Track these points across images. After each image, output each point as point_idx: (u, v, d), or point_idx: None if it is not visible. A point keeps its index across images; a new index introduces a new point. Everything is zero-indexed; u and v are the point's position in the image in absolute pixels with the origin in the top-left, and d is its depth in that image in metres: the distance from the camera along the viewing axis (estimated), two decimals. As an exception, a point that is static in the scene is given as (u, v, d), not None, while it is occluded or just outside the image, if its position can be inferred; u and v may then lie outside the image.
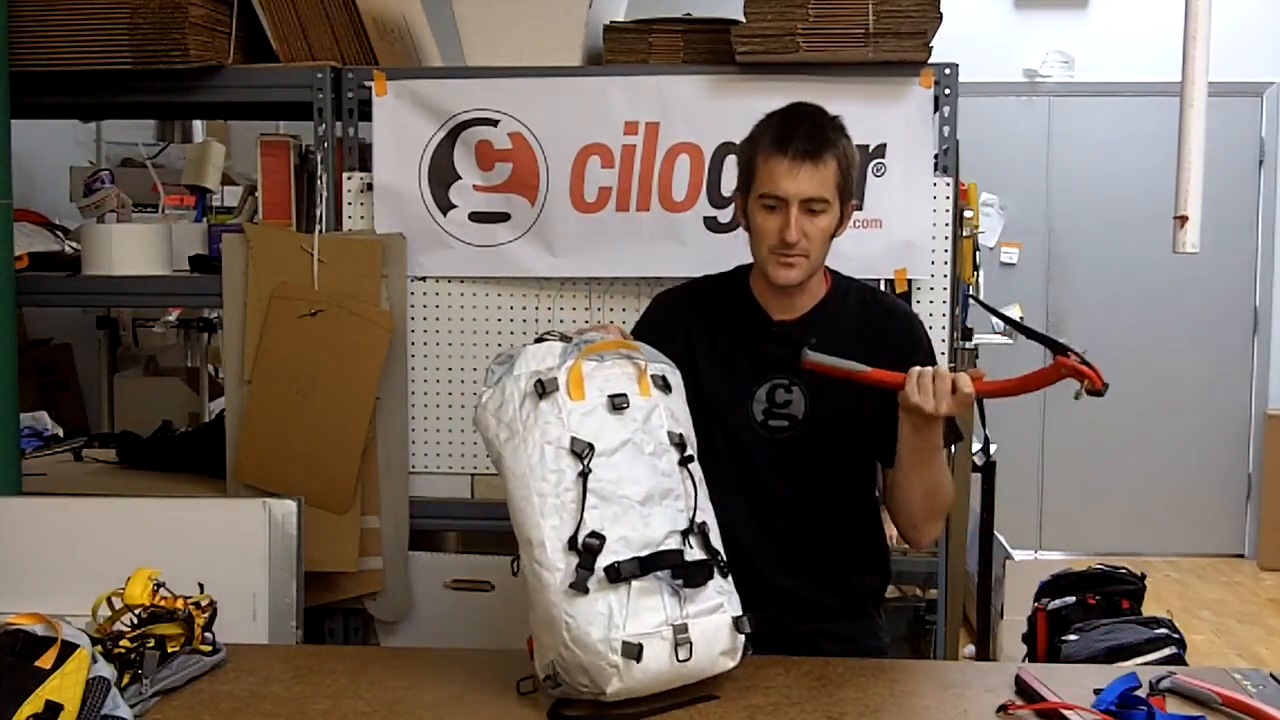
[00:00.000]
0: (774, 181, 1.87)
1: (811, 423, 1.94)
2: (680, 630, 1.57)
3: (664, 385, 1.76)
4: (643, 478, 1.65)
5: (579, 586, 1.55)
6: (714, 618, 1.62)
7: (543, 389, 1.66)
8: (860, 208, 2.62)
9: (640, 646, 1.54)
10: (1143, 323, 6.08)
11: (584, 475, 1.61)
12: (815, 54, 2.55)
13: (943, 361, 2.66)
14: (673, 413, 1.75)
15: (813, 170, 1.86)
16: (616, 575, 1.56)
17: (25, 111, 2.71)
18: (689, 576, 1.60)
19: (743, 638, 1.64)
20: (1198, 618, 5.14)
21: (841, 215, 1.94)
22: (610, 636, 1.54)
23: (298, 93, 2.74)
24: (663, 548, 1.60)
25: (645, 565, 1.58)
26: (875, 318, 2.00)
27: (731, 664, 1.64)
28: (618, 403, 1.69)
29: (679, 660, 1.57)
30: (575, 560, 1.56)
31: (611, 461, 1.64)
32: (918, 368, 1.78)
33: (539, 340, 1.74)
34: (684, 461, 1.71)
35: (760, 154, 1.90)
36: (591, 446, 1.63)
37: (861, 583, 2.05)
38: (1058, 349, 1.72)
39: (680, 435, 1.73)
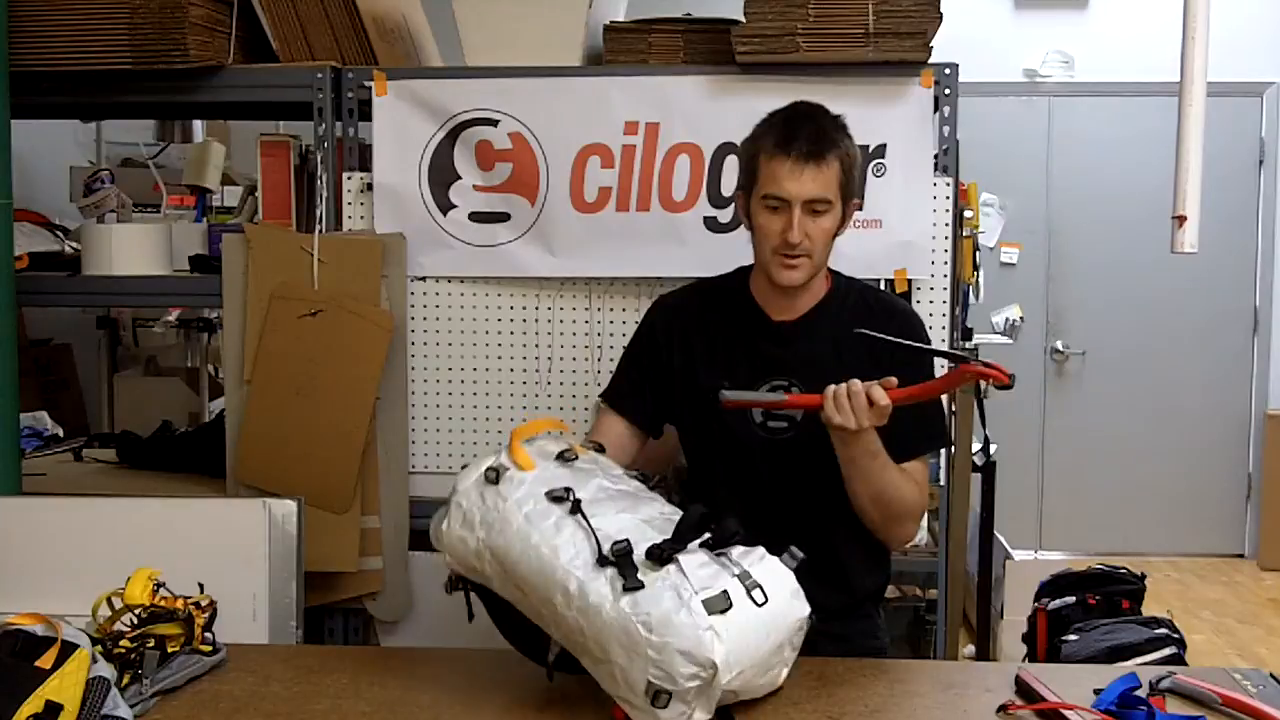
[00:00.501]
0: (777, 182, 1.88)
1: (810, 424, 1.94)
2: (745, 578, 1.54)
3: (598, 448, 1.81)
4: (626, 505, 1.65)
5: (632, 584, 1.50)
6: (766, 560, 1.60)
7: (495, 475, 1.66)
8: (861, 208, 2.62)
9: (725, 592, 1.49)
10: (1143, 323, 6.08)
11: (577, 507, 1.60)
12: (815, 54, 2.55)
13: (942, 361, 2.66)
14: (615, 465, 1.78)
15: (816, 171, 1.87)
16: (660, 554, 1.52)
17: (25, 111, 2.70)
18: (720, 540, 1.59)
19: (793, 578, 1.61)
20: (1198, 618, 5.14)
21: (844, 215, 1.94)
22: (690, 605, 1.48)
23: (298, 93, 2.74)
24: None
25: (679, 538, 1.56)
26: (876, 317, 2.00)
27: (805, 609, 1.59)
28: (567, 456, 1.71)
29: (758, 605, 1.51)
30: (613, 571, 1.52)
31: (593, 501, 1.63)
32: (832, 387, 1.78)
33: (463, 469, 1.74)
34: (652, 487, 1.74)
35: (763, 154, 1.90)
36: (569, 489, 1.63)
37: (861, 583, 2.05)
38: (959, 360, 1.81)
39: (635, 473, 1.77)
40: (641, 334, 2.11)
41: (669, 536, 1.57)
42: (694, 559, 1.54)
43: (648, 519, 1.61)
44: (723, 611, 1.48)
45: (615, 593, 1.51)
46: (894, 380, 1.78)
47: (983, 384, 1.77)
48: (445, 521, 1.68)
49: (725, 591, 1.50)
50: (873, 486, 1.89)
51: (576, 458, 1.72)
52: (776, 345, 1.97)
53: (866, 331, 1.83)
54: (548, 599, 1.57)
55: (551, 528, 1.59)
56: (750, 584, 1.53)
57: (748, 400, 1.85)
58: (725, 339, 2.01)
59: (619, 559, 1.53)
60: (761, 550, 1.62)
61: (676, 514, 1.65)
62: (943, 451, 2.76)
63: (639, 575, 1.52)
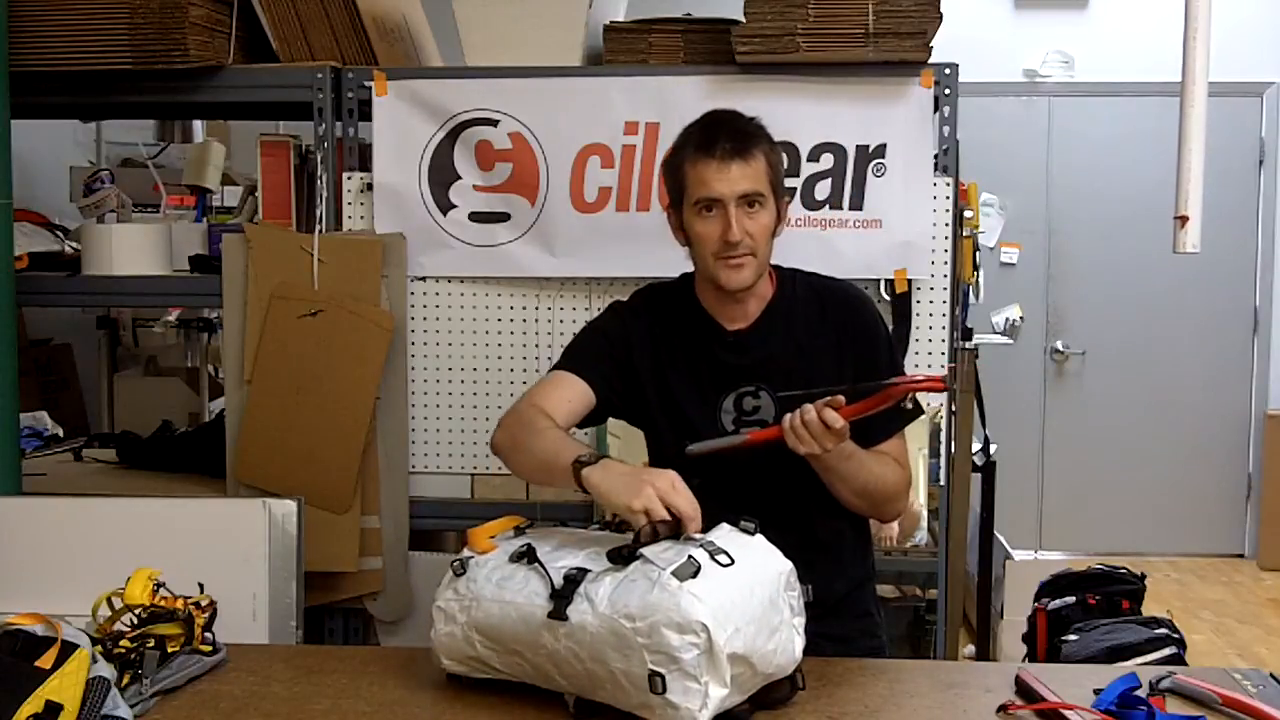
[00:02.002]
0: (706, 184, 1.87)
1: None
2: (708, 545, 1.55)
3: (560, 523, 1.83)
4: (591, 543, 1.66)
5: (561, 601, 1.54)
6: (726, 531, 1.62)
7: (461, 566, 1.68)
8: (860, 207, 2.63)
9: (691, 557, 1.50)
10: (1143, 323, 6.08)
11: (530, 551, 1.63)
12: (815, 54, 2.55)
13: (942, 361, 2.67)
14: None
15: (743, 166, 1.86)
16: (621, 554, 1.55)
17: (25, 111, 2.71)
18: (673, 529, 1.61)
19: (762, 538, 1.62)
20: (1198, 618, 5.14)
21: (778, 213, 1.93)
22: (661, 581, 1.49)
23: (298, 93, 2.74)
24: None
25: (635, 539, 1.58)
26: (830, 310, 1.99)
27: (785, 563, 1.61)
28: (521, 529, 1.74)
29: (724, 565, 1.52)
30: (569, 592, 1.56)
31: (556, 549, 1.66)
32: (788, 418, 1.79)
33: None
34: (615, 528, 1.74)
35: (688, 162, 1.90)
36: (529, 544, 1.65)
37: (849, 570, 2.05)
38: (889, 384, 1.83)
39: (597, 523, 1.79)
40: (607, 324, 2.06)
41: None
42: (657, 548, 1.57)
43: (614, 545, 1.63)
44: (694, 575, 1.49)
45: (592, 605, 1.53)
46: (841, 399, 1.78)
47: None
48: (433, 630, 1.70)
49: (691, 557, 1.51)
50: (854, 484, 1.91)
51: (532, 524, 1.75)
52: (736, 354, 1.97)
53: (863, 385, 1.83)
54: (540, 643, 1.58)
55: (521, 581, 1.62)
56: (713, 550, 1.55)
57: (711, 448, 1.87)
58: (685, 350, 1.99)
59: (569, 580, 1.56)
60: (723, 524, 1.64)
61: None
62: (943, 451, 2.76)
63: (609, 579, 1.54)
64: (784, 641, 1.58)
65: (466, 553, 1.71)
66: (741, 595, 1.52)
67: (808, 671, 1.72)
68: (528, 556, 1.63)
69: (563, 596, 1.56)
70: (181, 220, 3.37)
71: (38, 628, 1.55)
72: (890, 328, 2.16)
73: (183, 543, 2.21)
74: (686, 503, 1.62)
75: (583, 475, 1.70)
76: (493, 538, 1.72)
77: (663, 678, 1.47)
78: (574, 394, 1.96)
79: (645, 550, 1.55)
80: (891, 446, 1.98)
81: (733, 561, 1.54)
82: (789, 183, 2.50)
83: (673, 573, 1.49)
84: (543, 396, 1.95)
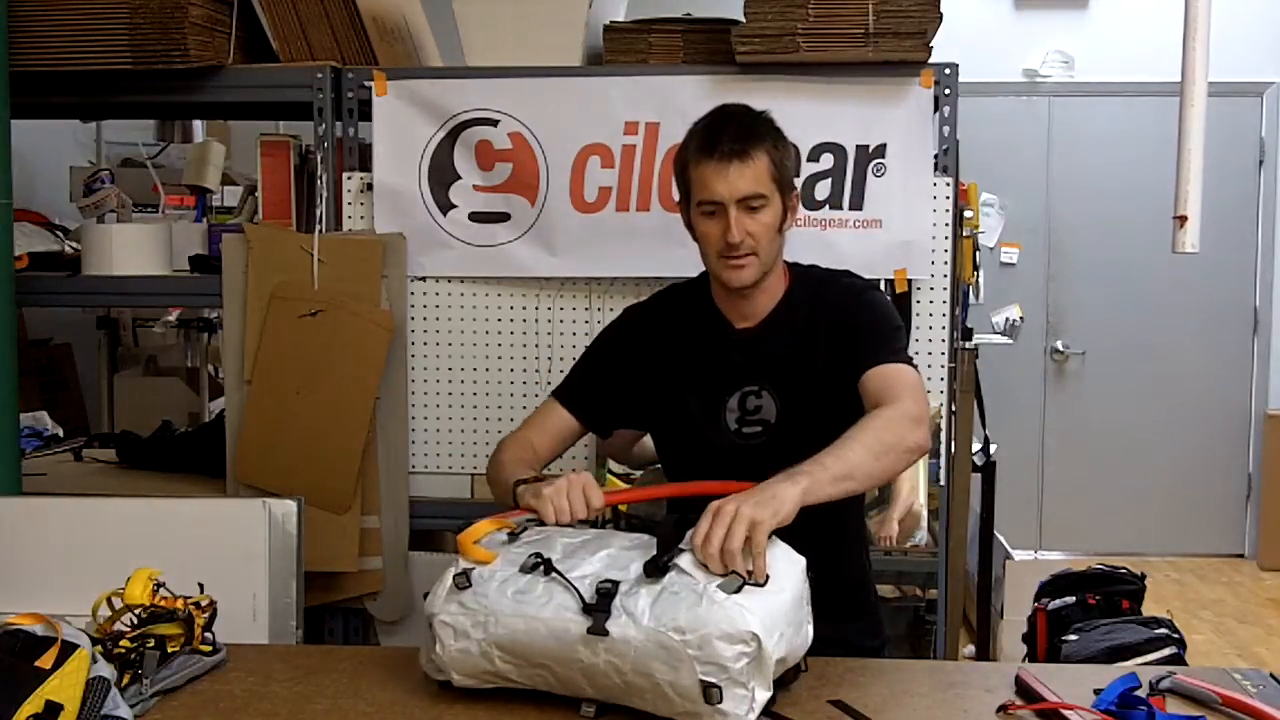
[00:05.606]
0: (708, 186, 1.87)
1: (784, 427, 1.94)
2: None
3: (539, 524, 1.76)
4: (598, 547, 1.64)
5: (600, 615, 1.51)
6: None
7: (465, 579, 1.63)
8: (860, 207, 2.63)
9: (733, 573, 1.51)
10: (1143, 322, 6.08)
11: (550, 567, 1.59)
12: (815, 54, 2.55)
13: (943, 360, 2.67)
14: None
15: (742, 168, 1.86)
16: (657, 566, 1.54)
17: (25, 111, 2.71)
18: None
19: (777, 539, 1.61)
20: (1198, 618, 5.14)
21: (785, 208, 1.93)
22: (708, 594, 1.49)
23: (298, 93, 2.74)
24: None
25: (666, 547, 1.56)
26: (822, 301, 1.97)
27: (800, 558, 1.62)
28: (515, 534, 1.69)
29: (754, 583, 1.52)
30: (606, 605, 1.52)
31: (566, 556, 1.62)
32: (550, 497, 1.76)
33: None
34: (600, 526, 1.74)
35: (691, 162, 1.91)
36: (538, 554, 1.61)
37: (845, 580, 2.04)
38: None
39: (582, 521, 1.75)
40: (608, 338, 2.10)
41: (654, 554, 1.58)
42: (687, 558, 1.56)
43: (624, 548, 1.62)
44: (737, 590, 1.50)
45: (634, 619, 1.51)
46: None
47: None
48: (437, 645, 1.63)
49: (734, 572, 1.52)
50: (861, 478, 1.78)
51: (526, 529, 1.71)
52: (741, 354, 1.97)
53: None
54: (574, 658, 1.54)
55: (543, 594, 1.58)
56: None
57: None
58: (694, 349, 2.00)
59: (602, 594, 1.53)
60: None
61: (642, 538, 1.65)
62: (943, 451, 2.76)
63: (644, 591, 1.52)
64: (807, 632, 1.62)
65: (464, 563, 1.65)
66: (779, 600, 1.54)
67: (808, 671, 1.72)
68: (544, 567, 1.59)
69: (601, 610, 1.53)
70: (181, 220, 3.37)
71: (38, 628, 1.54)
72: None
73: (183, 543, 2.20)
74: (589, 496, 1.72)
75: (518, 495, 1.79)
76: (480, 542, 1.68)
77: (720, 689, 1.47)
78: (559, 426, 2.04)
79: (679, 561, 1.54)
80: (885, 376, 1.85)
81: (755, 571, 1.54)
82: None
83: (718, 586, 1.50)
84: (530, 427, 2.04)
